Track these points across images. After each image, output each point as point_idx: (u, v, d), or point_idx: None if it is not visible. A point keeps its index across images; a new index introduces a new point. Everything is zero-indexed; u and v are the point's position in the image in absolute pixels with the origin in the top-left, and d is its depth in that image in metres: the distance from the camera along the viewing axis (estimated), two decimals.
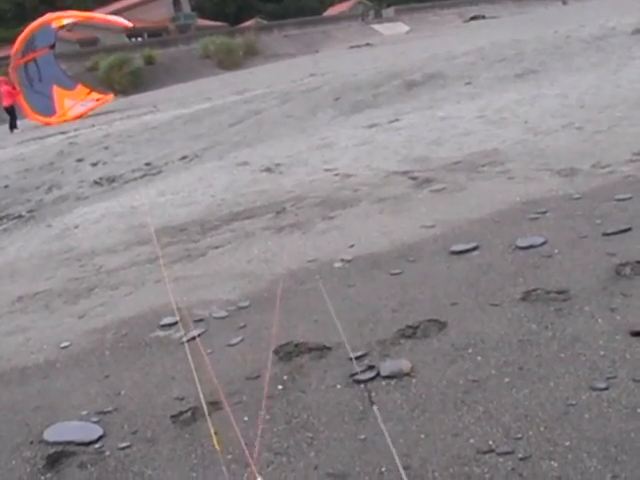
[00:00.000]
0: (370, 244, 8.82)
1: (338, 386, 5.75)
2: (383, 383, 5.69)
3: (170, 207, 12.81)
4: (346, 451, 4.93)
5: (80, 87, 38.35)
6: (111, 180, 17.04)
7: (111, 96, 37.15)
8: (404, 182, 11.23)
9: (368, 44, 58.01)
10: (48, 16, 37.25)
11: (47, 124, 34.79)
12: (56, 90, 36.45)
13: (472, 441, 4.78)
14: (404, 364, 5.85)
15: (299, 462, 4.93)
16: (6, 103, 36.62)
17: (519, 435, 4.77)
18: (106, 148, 20.18)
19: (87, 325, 8.08)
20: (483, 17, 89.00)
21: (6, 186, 18.45)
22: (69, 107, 35.97)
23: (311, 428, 5.26)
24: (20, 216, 15.69)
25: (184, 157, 17.94)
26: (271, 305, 7.50)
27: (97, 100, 36.96)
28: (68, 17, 40.11)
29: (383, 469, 4.67)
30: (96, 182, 17.20)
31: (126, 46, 75.53)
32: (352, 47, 56.32)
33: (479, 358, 5.77)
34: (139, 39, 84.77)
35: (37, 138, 24.93)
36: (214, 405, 5.70)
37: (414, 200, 10.23)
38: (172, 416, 5.75)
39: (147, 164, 17.80)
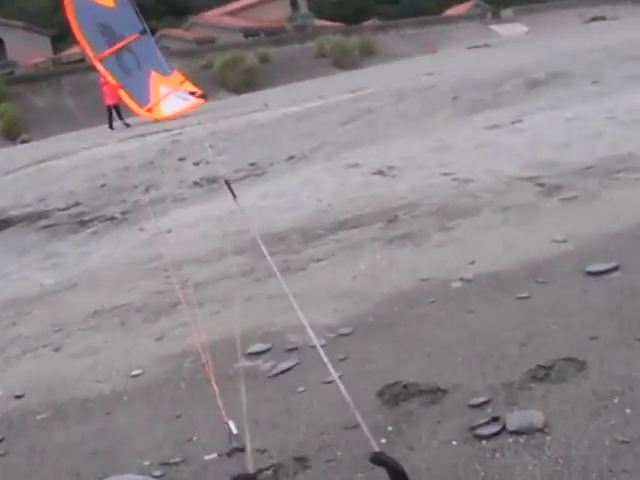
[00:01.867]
0: (493, 261, 7.75)
1: (454, 442, 4.70)
2: (510, 440, 4.63)
3: (271, 212, 11.92)
4: None
5: (176, 73, 37.65)
6: (211, 181, 16.24)
7: (203, 101, 36.19)
8: (530, 189, 10.11)
9: (487, 45, 56.58)
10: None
11: (141, 116, 34.49)
12: (153, 76, 35.73)
13: None
14: (536, 417, 4.77)
15: None
16: (109, 102, 36.48)
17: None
18: (210, 147, 19.40)
19: (164, 349, 7.21)
20: (604, 18, 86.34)
21: (103, 185, 17.85)
22: (163, 95, 35.20)
23: None
24: (112, 218, 15.03)
25: (291, 157, 17.06)
26: (377, 333, 6.52)
27: (190, 93, 36.13)
28: None
29: None
30: (196, 183, 16.46)
31: (241, 44, 75.22)
32: (470, 47, 54.88)
33: (628, 411, 4.66)
34: (255, 37, 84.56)
35: (139, 135, 24.41)
36: (301, 462, 4.74)
37: (542, 210, 9.12)
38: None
39: (251, 164, 16.99)
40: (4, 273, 12.43)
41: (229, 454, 2.45)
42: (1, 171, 22.65)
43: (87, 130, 35.53)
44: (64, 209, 16.62)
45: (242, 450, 2.50)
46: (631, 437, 4.39)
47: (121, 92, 35.63)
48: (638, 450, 4.26)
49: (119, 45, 36.05)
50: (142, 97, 35.23)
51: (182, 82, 37.10)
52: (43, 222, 15.91)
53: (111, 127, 36.15)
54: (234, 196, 5.00)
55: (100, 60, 35.97)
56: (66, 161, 22.87)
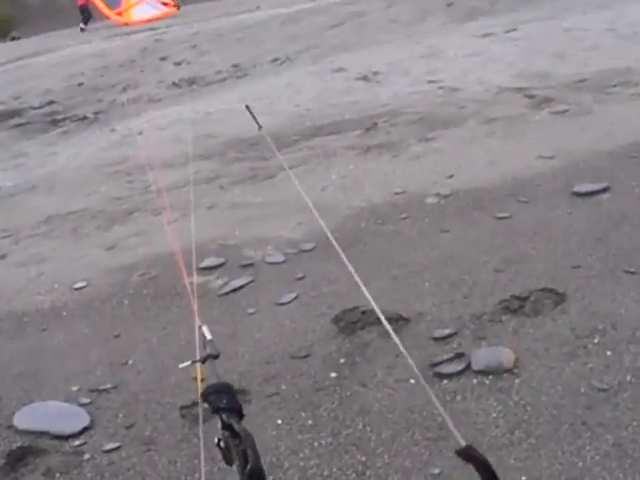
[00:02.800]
0: (474, 175, 7.17)
1: (412, 380, 4.17)
2: (474, 381, 4.13)
3: (248, 116, 11.20)
4: None
5: None
6: (191, 82, 15.54)
7: (177, 11, 34.86)
8: (519, 100, 9.46)
9: None
10: None
11: (110, 19, 33.46)
12: None
13: None
14: (505, 355, 4.26)
15: None
16: (81, 2, 35.57)
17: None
18: (193, 47, 18.65)
19: (113, 260, 6.67)
20: None
21: (80, 84, 17.11)
22: (135, 2, 34.19)
23: (366, 448, 3.73)
24: (85, 117, 14.32)
25: (275, 60, 16.30)
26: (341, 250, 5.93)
27: (164, 4, 34.90)
28: None
29: None
30: (174, 83, 15.73)
31: None
32: None
33: (609, 353, 4.15)
34: None
35: (124, 34, 23.58)
36: (242, 395, 4.19)
37: (530, 123, 8.50)
38: (182, 407, 4.27)
39: (234, 65, 16.23)
40: None
41: (203, 361, 2.02)
42: None
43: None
44: (38, 107, 15.93)
45: (217, 357, 2.08)
46: (610, 384, 3.89)
47: None
48: (617, 400, 3.77)
49: None
50: (113, 0, 34.18)
51: None
52: (15, 120, 15.23)
53: (84, 28, 35.22)
54: (259, 126, 4.48)
55: None
56: (47, 58, 22.12)
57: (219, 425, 1.89)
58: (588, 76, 10.10)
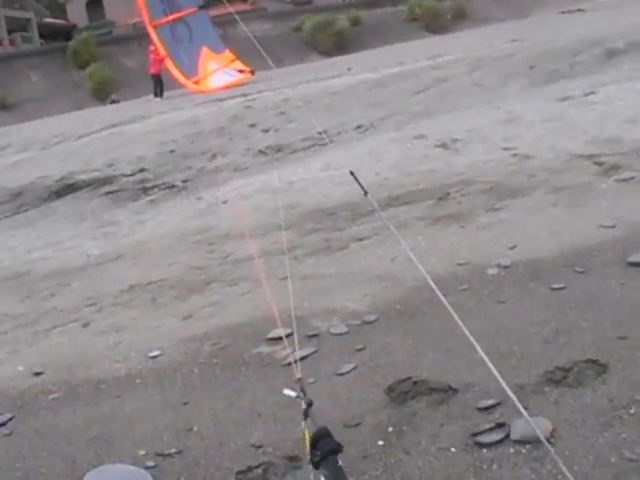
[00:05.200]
0: (535, 246, 7.39)
1: (453, 449, 4.42)
2: (511, 450, 4.33)
3: (329, 185, 11.64)
4: None
5: (227, 52, 36.97)
6: (277, 149, 15.98)
7: (251, 76, 35.30)
8: (588, 168, 9.65)
9: (580, 9, 55.13)
10: None
11: (186, 88, 33.86)
12: (204, 51, 35.19)
13: None
14: (543, 425, 4.45)
15: None
16: (153, 71, 36.10)
17: None
18: (282, 113, 19.11)
19: (187, 330, 7.03)
20: None
21: (172, 151, 17.70)
22: (212, 70, 34.55)
23: None
24: (173, 186, 14.90)
25: (359, 127, 16.71)
26: (402, 322, 6.25)
27: (240, 71, 35.42)
28: None
29: None
30: (261, 151, 16.21)
31: (335, 6, 74.36)
32: (563, 12, 53.55)
33: None
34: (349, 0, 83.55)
35: (216, 100, 24.20)
36: (292, 462, 4.52)
37: (596, 191, 8.69)
38: (239, 472, 4.58)
39: (319, 133, 16.66)
40: (58, 240, 12.41)
41: (309, 405, 2.35)
42: (75, 135, 22.66)
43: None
44: (130, 175, 16.55)
45: (311, 405, 2.41)
46: None
47: (168, 62, 35.10)
48: None
49: (176, 15, 35.75)
50: (190, 69, 34.66)
51: (232, 60, 36.38)
52: (107, 188, 15.88)
53: (159, 95, 35.83)
54: (365, 192, 4.78)
55: (154, 27, 35.65)
56: (140, 125, 22.80)
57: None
58: None
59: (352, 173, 5.05)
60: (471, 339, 3.24)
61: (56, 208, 15.47)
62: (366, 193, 4.80)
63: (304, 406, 2.50)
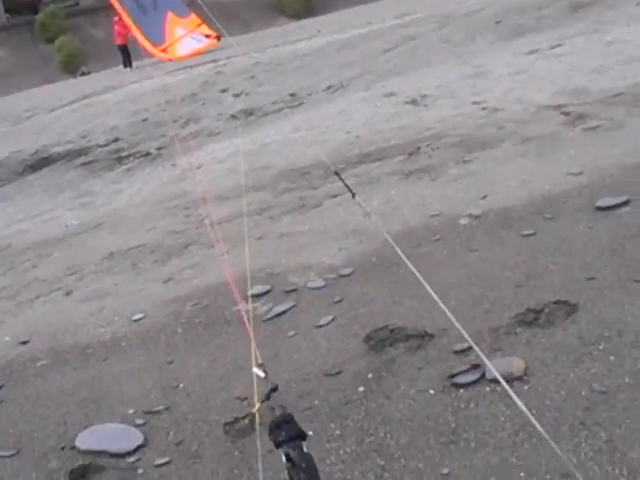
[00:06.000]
0: (505, 195, 7.55)
1: (431, 391, 4.61)
2: (487, 389, 4.52)
3: (301, 145, 11.75)
4: None
5: (193, 16, 36.46)
6: (249, 113, 16.10)
7: (217, 42, 34.84)
8: (555, 118, 9.80)
9: None
10: None
11: (155, 57, 33.54)
12: (170, 17, 34.72)
13: None
14: (516, 364, 4.64)
15: None
16: (119, 42, 35.93)
17: None
18: (252, 77, 19.22)
19: (169, 292, 7.19)
20: None
21: (144, 119, 17.81)
22: (179, 37, 34.22)
23: (385, 453, 4.16)
24: (148, 154, 15.03)
25: (329, 87, 16.82)
26: (377, 273, 6.41)
27: (206, 36, 34.99)
28: None
29: None
30: (233, 116, 16.30)
31: None
32: None
33: (612, 358, 4.51)
34: None
35: (187, 67, 24.26)
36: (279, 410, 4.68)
37: (563, 140, 8.83)
38: (226, 424, 4.75)
39: (291, 95, 16.77)
40: (36, 213, 12.54)
41: (273, 389, 2.46)
42: (47, 108, 22.72)
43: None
44: (104, 145, 16.67)
45: (275, 389, 2.53)
46: (609, 387, 4.25)
47: (134, 31, 34.68)
48: (614, 401, 4.12)
49: None
50: (157, 37, 34.15)
51: (199, 25, 35.86)
52: (82, 159, 15.99)
53: (129, 66, 35.63)
54: (352, 194, 4.92)
55: None
56: (112, 95, 22.88)
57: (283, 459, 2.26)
58: (624, 90, 10.36)
59: (337, 173, 5.16)
60: (426, 285, 3.39)
61: (32, 182, 15.57)
62: (354, 195, 4.97)
63: (267, 389, 2.62)
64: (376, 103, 13.76)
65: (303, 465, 2.06)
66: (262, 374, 2.70)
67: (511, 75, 13.17)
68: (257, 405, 2.53)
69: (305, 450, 2.18)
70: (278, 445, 2.19)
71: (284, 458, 2.14)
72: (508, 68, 13.81)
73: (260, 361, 3.07)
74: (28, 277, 8.78)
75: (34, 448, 4.99)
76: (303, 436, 2.20)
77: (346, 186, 5.03)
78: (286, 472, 2.22)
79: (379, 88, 15.20)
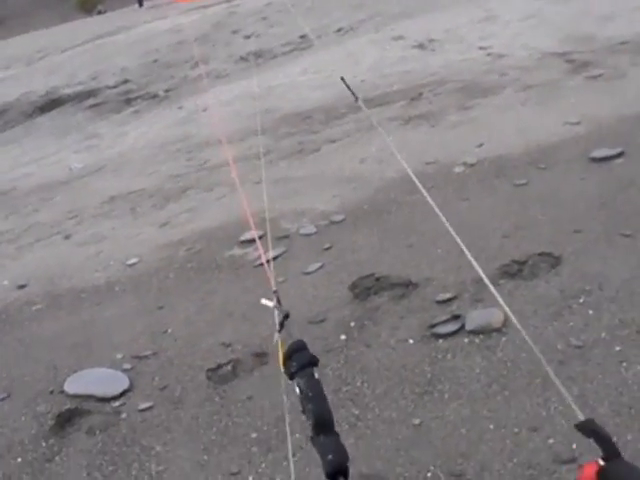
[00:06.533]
0: (501, 144, 7.53)
1: (410, 341, 4.66)
2: (465, 340, 4.57)
3: (306, 89, 11.73)
4: (391, 441, 3.89)
5: None
6: (258, 55, 16.02)
7: None
8: (559, 65, 9.73)
9: None
10: None
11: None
12: None
13: (551, 441, 3.65)
14: (495, 316, 4.67)
15: None
16: None
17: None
18: (264, 19, 19.10)
19: (164, 237, 7.26)
20: None
21: (155, 60, 17.76)
22: None
23: (360, 403, 4.23)
24: (156, 96, 15.00)
25: (339, 29, 16.72)
26: (368, 221, 6.44)
27: None
28: None
29: (429, 474, 3.62)
30: (242, 58, 16.23)
31: None
32: None
33: (591, 312, 4.54)
34: None
35: (201, 7, 24.09)
36: (260, 358, 4.77)
37: (564, 88, 8.78)
38: (209, 369, 4.82)
39: (301, 37, 16.67)
40: (42, 156, 12.58)
41: (286, 316, 2.48)
42: (59, 49, 22.67)
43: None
44: (113, 87, 16.64)
45: (288, 316, 2.54)
46: (585, 341, 4.28)
47: None
48: (589, 356, 4.16)
49: None
50: None
51: None
52: (91, 101, 15.98)
53: (141, 4, 35.59)
54: (355, 98, 4.88)
55: None
56: (124, 36, 22.79)
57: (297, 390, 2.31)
58: (630, 38, 10.24)
59: (343, 79, 5.12)
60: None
61: (41, 124, 15.60)
62: (357, 99, 4.92)
63: (280, 318, 2.64)
64: (384, 46, 13.69)
65: (310, 394, 2.08)
66: (270, 304, 2.70)
67: (520, 20, 13.05)
68: (276, 336, 2.53)
69: (316, 376, 2.20)
70: (291, 377, 2.20)
71: (297, 390, 2.18)
72: (517, 13, 13.67)
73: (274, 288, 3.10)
74: (30, 221, 8.86)
75: (24, 392, 5.08)
76: (315, 362, 2.21)
77: (350, 91, 4.97)
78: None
79: (388, 31, 15.09)
